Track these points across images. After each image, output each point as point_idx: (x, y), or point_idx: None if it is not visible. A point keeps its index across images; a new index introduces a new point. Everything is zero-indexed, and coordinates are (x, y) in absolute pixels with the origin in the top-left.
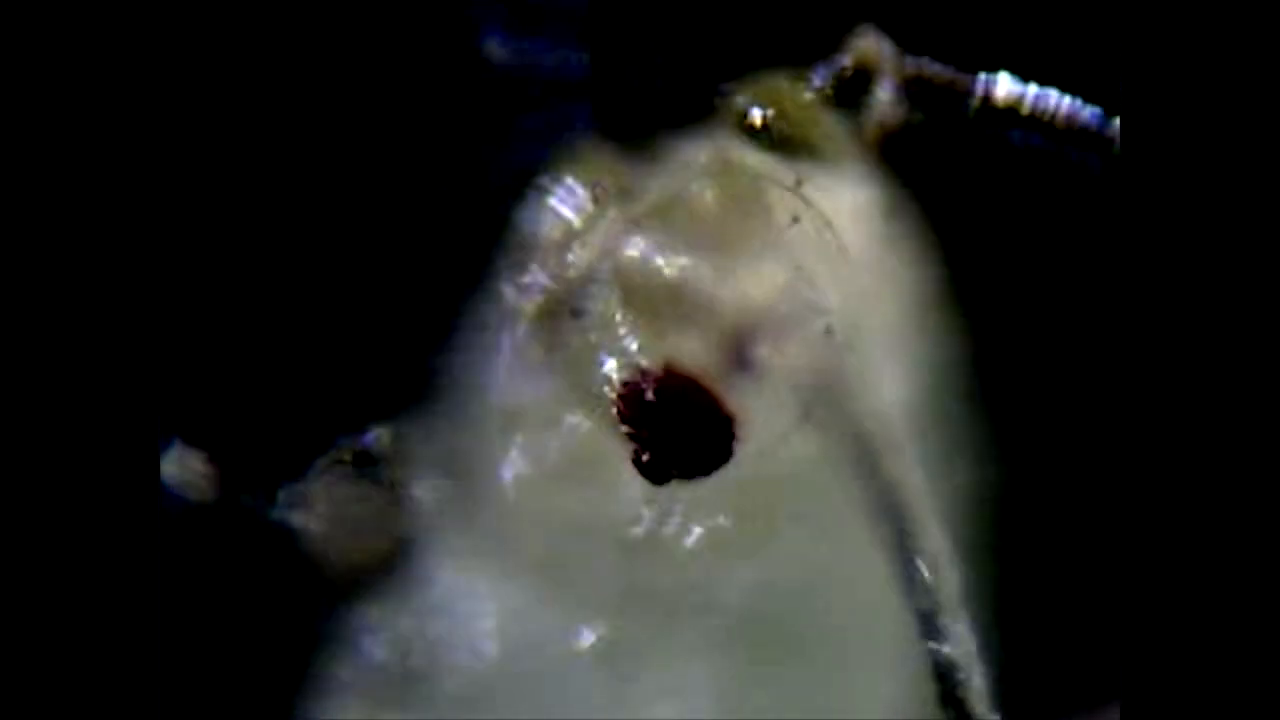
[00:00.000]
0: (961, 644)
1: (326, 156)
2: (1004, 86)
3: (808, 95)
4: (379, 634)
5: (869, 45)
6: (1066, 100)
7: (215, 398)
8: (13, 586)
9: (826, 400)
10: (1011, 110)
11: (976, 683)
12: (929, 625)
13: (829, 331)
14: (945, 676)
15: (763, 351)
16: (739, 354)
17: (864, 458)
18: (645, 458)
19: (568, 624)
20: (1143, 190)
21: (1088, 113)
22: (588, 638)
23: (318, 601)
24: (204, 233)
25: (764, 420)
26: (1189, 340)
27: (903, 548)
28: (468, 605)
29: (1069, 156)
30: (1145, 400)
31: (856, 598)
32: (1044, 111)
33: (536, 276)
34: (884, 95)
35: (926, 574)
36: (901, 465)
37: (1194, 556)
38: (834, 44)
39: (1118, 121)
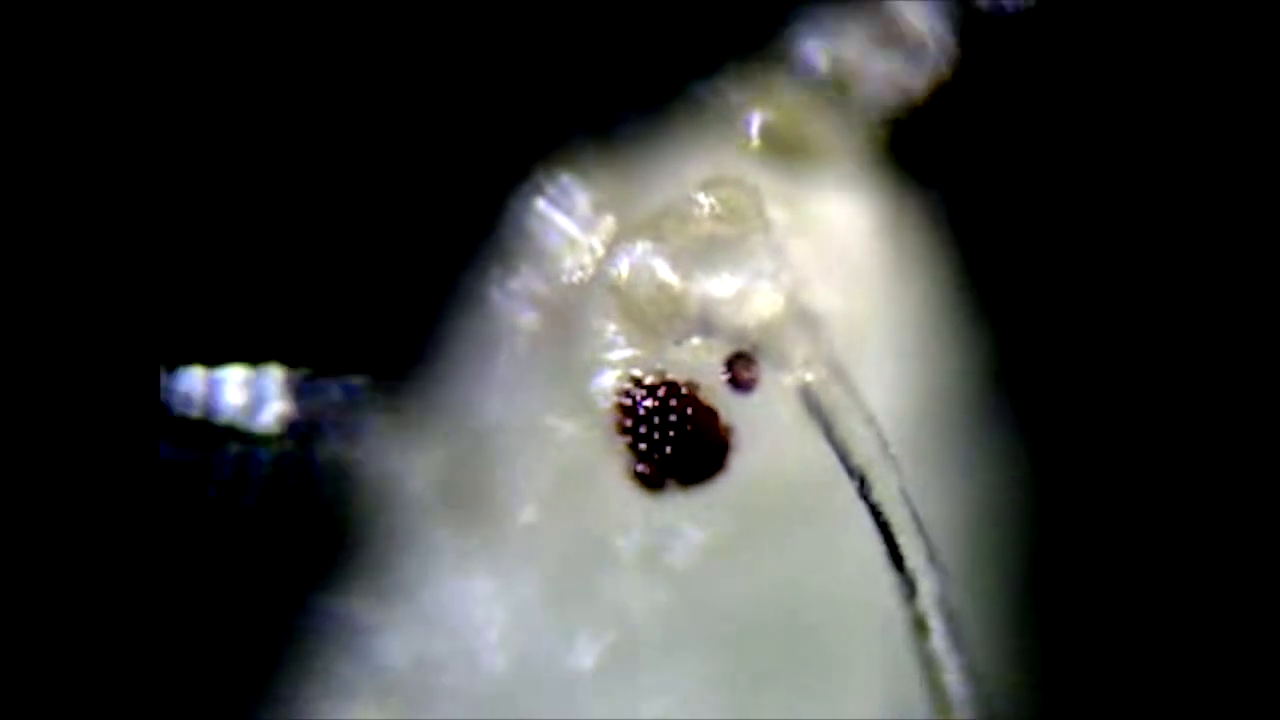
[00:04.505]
0: (942, 652)
1: (323, 162)
2: None
3: (806, 96)
4: (378, 639)
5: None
6: None
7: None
8: (11, 590)
9: (822, 413)
10: None
11: (955, 682)
12: (919, 629)
13: (829, 343)
14: (929, 676)
15: (762, 363)
16: (737, 365)
17: (857, 470)
18: (641, 469)
19: (566, 634)
20: (1151, 191)
21: None
22: (587, 648)
23: (320, 604)
24: (195, 231)
25: (761, 431)
26: (1196, 348)
27: (895, 560)
28: (466, 614)
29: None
30: (1151, 408)
31: (857, 605)
32: None
33: (533, 287)
34: (870, 85)
35: (913, 581)
36: (893, 478)
37: (1198, 563)
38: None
39: None
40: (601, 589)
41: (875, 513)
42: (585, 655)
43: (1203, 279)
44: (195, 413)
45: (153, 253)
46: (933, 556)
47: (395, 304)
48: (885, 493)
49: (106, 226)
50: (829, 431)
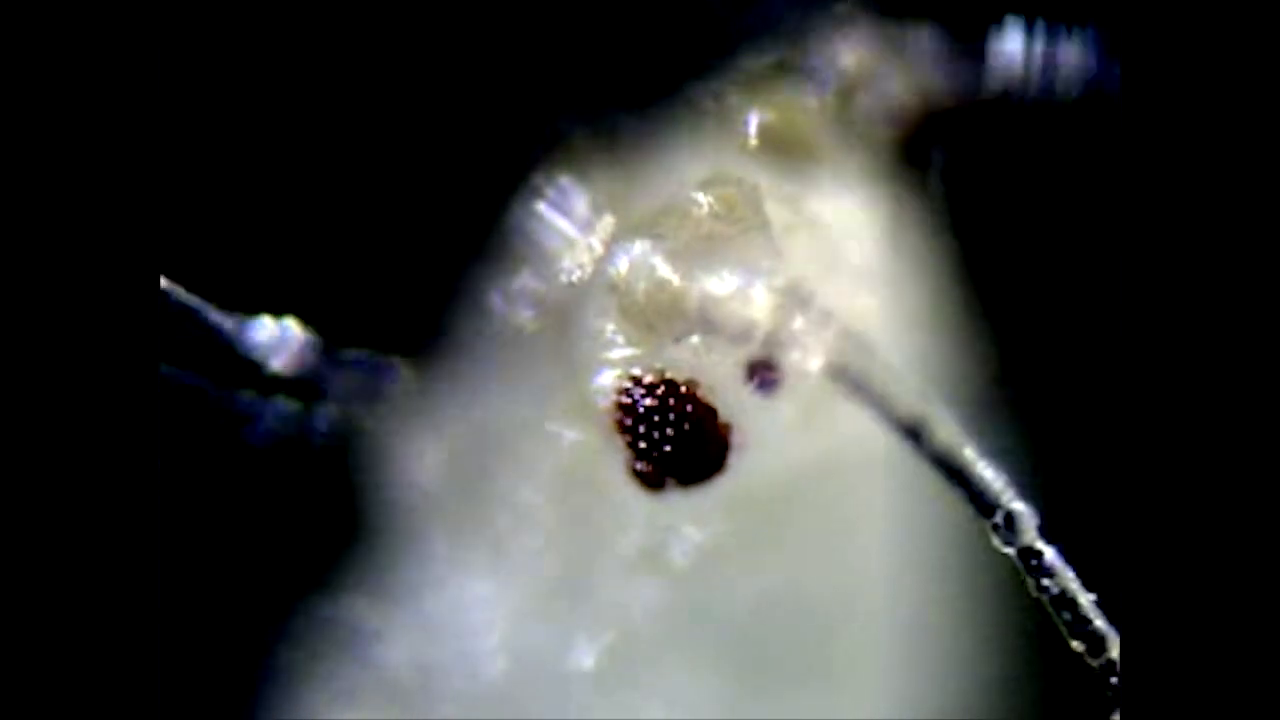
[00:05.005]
0: (1063, 573)
1: (323, 164)
2: (1013, 41)
3: (805, 98)
4: (380, 640)
5: (862, 51)
6: (1071, 45)
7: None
8: (11, 590)
9: (857, 383)
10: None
11: (1090, 604)
12: (1030, 566)
13: (838, 322)
14: (1063, 608)
15: (781, 359)
16: (758, 369)
17: (910, 423)
18: (641, 468)
19: (566, 634)
20: (1153, 193)
21: (1090, 55)
22: (587, 649)
23: (321, 606)
24: (196, 231)
25: (761, 431)
26: (1199, 344)
27: (979, 502)
28: (467, 616)
29: (1076, 98)
30: (1155, 404)
31: (856, 605)
32: (1051, 61)
33: (533, 286)
34: (878, 99)
35: (1009, 517)
36: (949, 424)
37: (1202, 557)
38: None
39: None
40: (601, 589)
41: (941, 462)
42: (585, 655)
43: (1202, 277)
44: (222, 345)
45: (156, 254)
46: (1017, 486)
47: (395, 304)
48: (945, 438)
49: (108, 231)
50: (868, 396)
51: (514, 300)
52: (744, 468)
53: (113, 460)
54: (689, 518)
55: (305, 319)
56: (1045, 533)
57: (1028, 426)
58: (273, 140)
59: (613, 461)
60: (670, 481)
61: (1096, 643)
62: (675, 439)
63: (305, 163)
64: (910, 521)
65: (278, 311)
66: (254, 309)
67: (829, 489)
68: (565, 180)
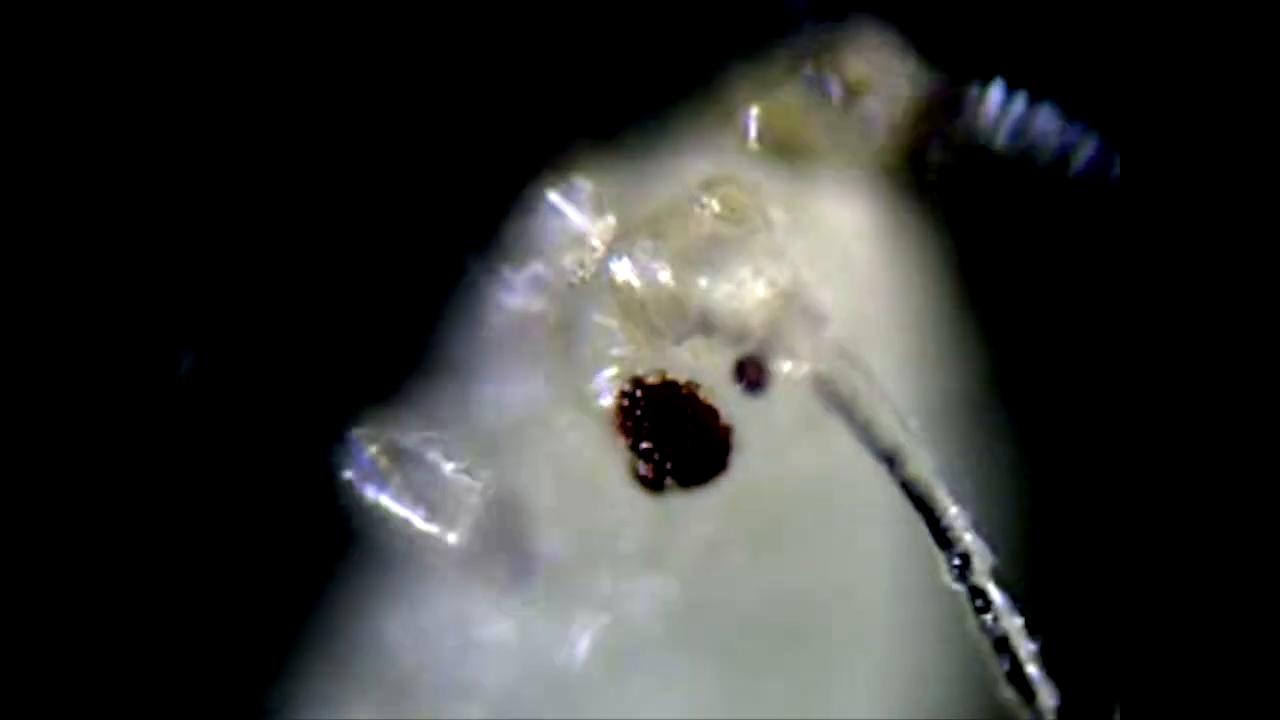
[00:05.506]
0: (1007, 619)
1: (325, 159)
2: (993, 98)
3: (809, 102)
4: (382, 639)
5: (868, 55)
6: (1052, 117)
7: (205, 406)
8: (13, 591)
9: (840, 399)
10: (997, 125)
11: (1028, 653)
12: (977, 604)
13: (834, 333)
14: (1002, 652)
15: (770, 361)
16: (747, 368)
17: (885, 450)
18: (642, 468)
19: (568, 633)
20: (1148, 202)
21: (1071, 131)
22: (589, 648)
23: (322, 603)
24: (198, 229)
25: (761, 431)
26: (1196, 351)
27: (939, 535)
28: (469, 613)
29: (1054, 168)
30: (1153, 411)
31: (856, 606)
32: (1027, 128)
33: (534, 286)
34: (886, 108)
35: (965, 555)
36: (923, 453)
37: (1194, 566)
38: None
39: (1096, 140)
40: (603, 588)
41: (910, 491)
42: (587, 654)
43: (1199, 281)
44: None
45: (162, 251)
46: (978, 527)
47: (396, 304)
48: (918, 469)
49: (118, 229)
50: (849, 416)
51: (515, 300)
52: (744, 468)
53: (118, 463)
54: (690, 517)
55: (306, 317)
56: (998, 576)
57: (1026, 427)
58: (275, 137)
59: (613, 462)
60: (671, 482)
61: (1029, 692)
62: (676, 440)
63: (311, 160)
64: (909, 522)
65: (279, 310)
66: (255, 307)
67: (829, 489)
68: (568, 180)
